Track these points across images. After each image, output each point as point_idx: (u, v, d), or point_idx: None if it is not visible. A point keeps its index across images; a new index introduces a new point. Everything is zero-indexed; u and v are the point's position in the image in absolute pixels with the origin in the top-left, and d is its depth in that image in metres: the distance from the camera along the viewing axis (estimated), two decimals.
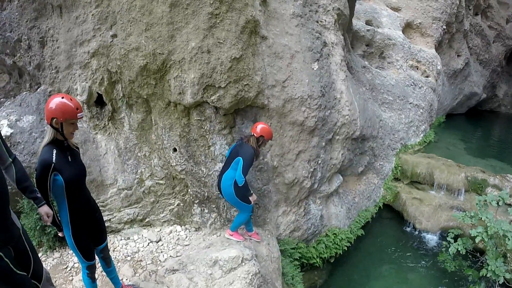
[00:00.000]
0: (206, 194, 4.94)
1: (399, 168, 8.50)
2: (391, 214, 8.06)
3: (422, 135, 9.94)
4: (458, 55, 13.33)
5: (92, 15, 4.49)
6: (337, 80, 5.69)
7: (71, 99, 2.64)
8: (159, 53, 4.21)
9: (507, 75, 18.61)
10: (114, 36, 4.46)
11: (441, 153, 9.31)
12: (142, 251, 4.84)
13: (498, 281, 5.31)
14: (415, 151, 9.30)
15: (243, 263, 3.92)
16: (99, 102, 5.06)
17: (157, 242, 5.01)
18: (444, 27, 11.07)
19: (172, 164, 4.89)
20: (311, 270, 5.88)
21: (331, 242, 6.05)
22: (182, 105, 4.47)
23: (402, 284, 6.10)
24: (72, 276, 4.33)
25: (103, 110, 5.08)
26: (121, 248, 4.89)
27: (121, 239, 5.06)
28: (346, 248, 6.26)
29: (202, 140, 4.70)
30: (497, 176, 7.65)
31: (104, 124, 5.13)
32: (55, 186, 2.70)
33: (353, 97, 6.09)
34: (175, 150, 4.83)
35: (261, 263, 4.42)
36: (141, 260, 4.65)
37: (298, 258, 5.52)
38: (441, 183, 7.88)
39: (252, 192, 4.30)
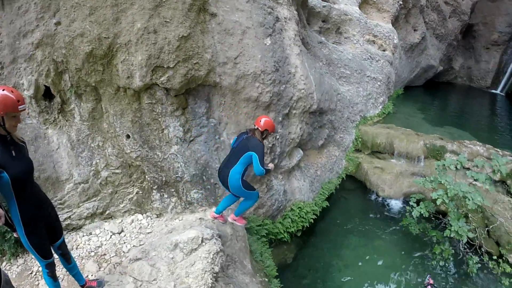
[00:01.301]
0: (164, 179, 4.85)
1: (360, 139, 8.72)
2: (354, 185, 8.31)
3: (380, 107, 10.21)
4: (414, 30, 13.66)
5: (35, 3, 4.30)
6: (291, 54, 5.68)
7: (12, 91, 2.51)
8: (105, 37, 4.10)
9: (463, 48, 19.38)
10: (58, 23, 4.29)
11: (400, 124, 9.64)
12: (105, 244, 4.74)
13: (462, 240, 5.59)
14: (374, 123, 9.57)
15: (204, 243, 3.89)
16: (47, 95, 4.82)
17: (120, 233, 4.92)
18: (401, 2, 11.24)
19: (127, 152, 4.75)
20: (280, 245, 5.98)
21: (296, 216, 6.16)
22: (131, 89, 4.36)
23: (369, 250, 6.34)
24: (38, 280, 4.22)
25: (52, 103, 4.85)
26: (84, 244, 4.77)
27: (83, 236, 4.92)
28: (312, 220, 6.39)
29: (155, 124, 4.58)
30: (455, 142, 7.93)
31: (54, 117, 4.91)
32: (1, 183, 2.55)
33: (308, 71, 6.11)
34: (128, 136, 4.70)
35: (227, 242, 4.42)
36: (104, 254, 4.57)
37: (265, 235, 5.59)
38: (401, 151, 8.15)
39: (269, 166, 4.27)
